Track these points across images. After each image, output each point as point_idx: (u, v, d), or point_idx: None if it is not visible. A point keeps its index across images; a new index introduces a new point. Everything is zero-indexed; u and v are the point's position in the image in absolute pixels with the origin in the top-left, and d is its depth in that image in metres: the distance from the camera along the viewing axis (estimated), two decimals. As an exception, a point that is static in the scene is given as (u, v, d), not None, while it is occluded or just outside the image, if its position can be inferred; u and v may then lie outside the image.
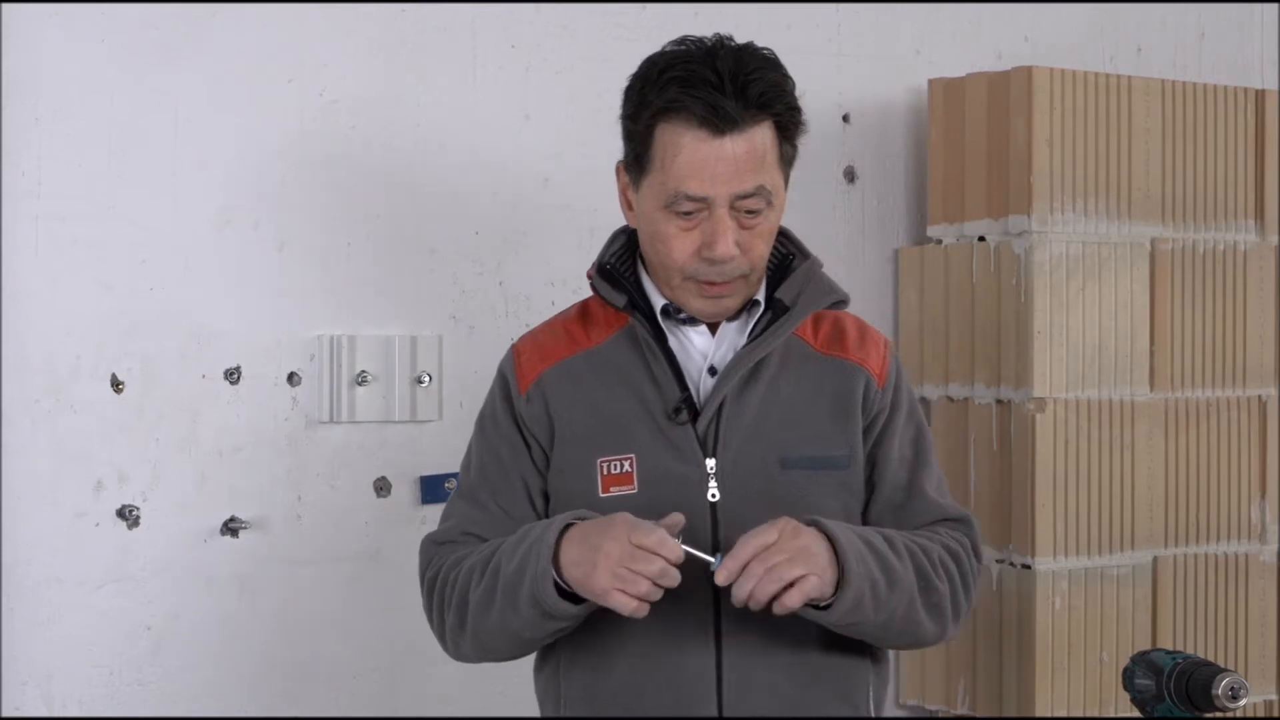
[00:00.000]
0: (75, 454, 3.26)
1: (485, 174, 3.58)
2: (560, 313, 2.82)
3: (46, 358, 3.24)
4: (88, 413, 3.27)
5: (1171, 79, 3.89)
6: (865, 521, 2.70)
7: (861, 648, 2.68)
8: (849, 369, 2.69)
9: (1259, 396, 3.94)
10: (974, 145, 3.83)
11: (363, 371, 3.45)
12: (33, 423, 3.23)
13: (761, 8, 3.80)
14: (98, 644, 3.29)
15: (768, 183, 2.56)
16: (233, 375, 3.37)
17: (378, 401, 3.48)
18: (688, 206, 2.56)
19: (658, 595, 2.45)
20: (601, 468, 2.64)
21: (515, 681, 3.53)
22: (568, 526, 2.51)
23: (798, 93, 2.64)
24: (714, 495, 2.60)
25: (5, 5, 3.18)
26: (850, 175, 3.98)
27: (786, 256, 2.73)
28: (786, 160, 2.62)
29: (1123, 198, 3.79)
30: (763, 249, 2.61)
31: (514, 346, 2.79)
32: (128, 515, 3.29)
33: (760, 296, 2.68)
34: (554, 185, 3.63)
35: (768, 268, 2.69)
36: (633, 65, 3.67)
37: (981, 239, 3.81)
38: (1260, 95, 3.96)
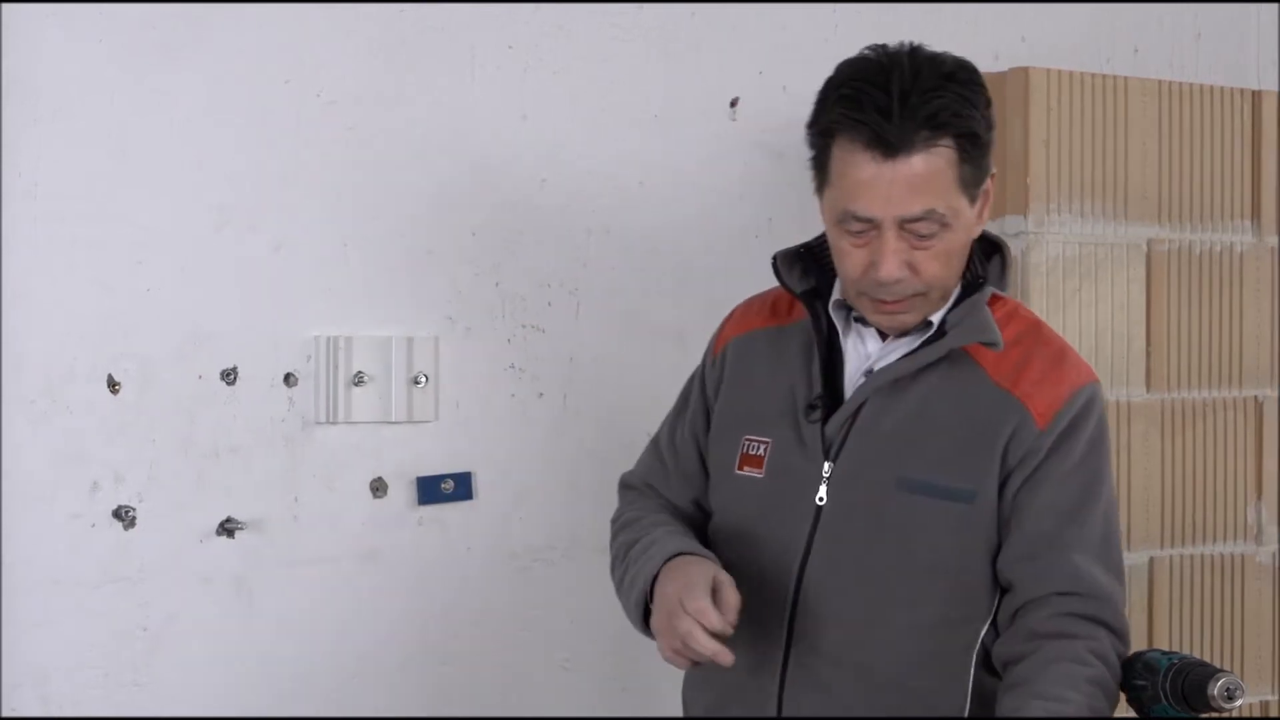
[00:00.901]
0: (71, 455, 3.25)
1: (482, 175, 3.57)
2: (778, 285, 2.80)
3: (43, 358, 3.23)
4: (84, 413, 3.26)
5: (1168, 79, 3.90)
6: (995, 569, 2.62)
7: (963, 677, 2.61)
8: (1008, 404, 2.59)
9: (1255, 397, 3.94)
10: (971, 146, 3.83)
11: (359, 372, 3.44)
12: (29, 423, 3.22)
13: (759, 8, 3.79)
14: (94, 645, 3.28)
15: (940, 206, 2.51)
16: (229, 376, 3.37)
17: (374, 402, 3.47)
18: (856, 226, 2.54)
19: (695, 656, 2.48)
20: (744, 445, 2.70)
21: (514, 684, 3.54)
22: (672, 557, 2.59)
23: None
24: (821, 499, 2.60)
25: (5, 5, 3.17)
26: (847, 176, 3.98)
27: (977, 279, 2.69)
28: (969, 181, 2.55)
29: (1119, 198, 3.79)
30: (937, 270, 2.56)
31: (734, 308, 2.85)
32: (124, 516, 3.28)
33: (936, 317, 2.64)
34: (551, 186, 3.62)
35: (963, 284, 2.66)
36: (630, 65, 3.70)
37: (978, 240, 3.81)
38: (1257, 96, 3.97)
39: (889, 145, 2.47)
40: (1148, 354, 3.81)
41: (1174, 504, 3.84)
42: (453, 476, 3.53)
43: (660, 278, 3.68)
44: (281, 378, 3.41)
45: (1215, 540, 3.90)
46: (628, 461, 2.99)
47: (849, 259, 2.57)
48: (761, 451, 2.67)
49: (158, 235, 3.30)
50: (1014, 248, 3.69)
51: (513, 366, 3.61)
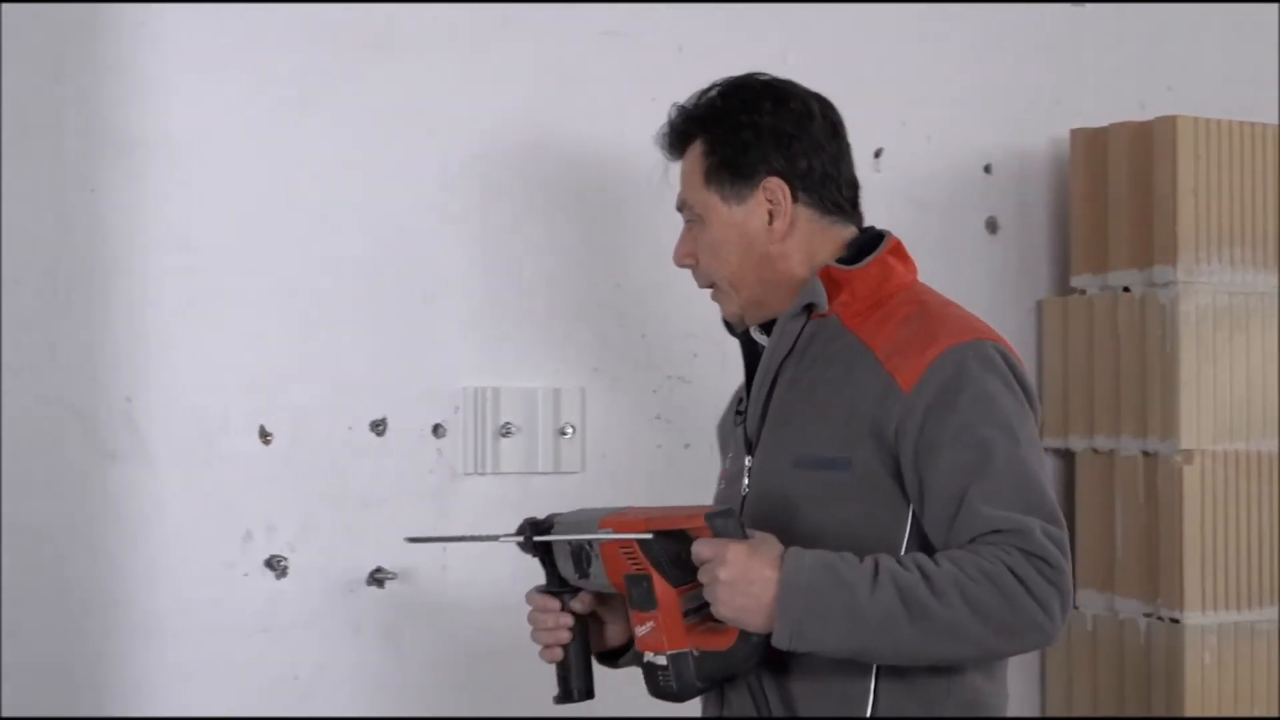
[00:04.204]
0: (224, 505, 3.30)
1: (627, 227, 3.60)
2: None
3: (196, 410, 3.28)
4: (236, 464, 3.30)
5: (1316, 126, 3.86)
6: (922, 537, 2.58)
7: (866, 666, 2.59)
8: (877, 374, 2.58)
9: None
10: (1117, 195, 3.81)
11: (507, 423, 3.47)
12: (183, 474, 3.27)
13: (903, 60, 3.80)
14: (246, 694, 3.31)
15: (689, 198, 2.71)
16: (379, 427, 3.40)
17: (522, 453, 3.50)
18: None
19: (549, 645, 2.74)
20: (725, 460, 2.85)
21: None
22: None
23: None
24: (746, 490, 2.69)
25: (7, 6, 3.21)
26: (992, 226, 3.95)
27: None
28: (717, 181, 2.68)
29: (1269, 247, 3.75)
30: (707, 261, 2.71)
31: None
32: (276, 565, 3.32)
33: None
34: (696, 237, 3.64)
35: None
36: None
37: (1126, 289, 3.78)
38: (1407, 142, 3.92)
39: (668, 145, 2.74)
40: (1300, 404, 3.76)
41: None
42: (598, 527, 3.55)
43: (805, 329, 3.67)
44: (430, 429, 3.45)
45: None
46: (773, 511, 2.98)
47: None
48: (726, 464, 2.82)
49: (308, 288, 3.35)
50: (1163, 297, 3.67)
51: (659, 417, 3.63)
